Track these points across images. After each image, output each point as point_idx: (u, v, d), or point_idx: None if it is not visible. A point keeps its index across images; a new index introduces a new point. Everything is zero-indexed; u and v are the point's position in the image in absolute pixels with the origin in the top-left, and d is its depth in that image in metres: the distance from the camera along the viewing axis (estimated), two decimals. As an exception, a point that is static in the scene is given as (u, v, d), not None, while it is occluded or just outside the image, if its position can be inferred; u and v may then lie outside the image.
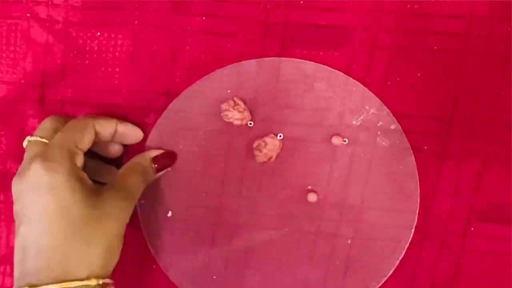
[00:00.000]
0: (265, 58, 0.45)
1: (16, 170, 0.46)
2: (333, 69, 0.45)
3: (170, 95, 0.45)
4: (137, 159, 0.45)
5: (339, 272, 0.46)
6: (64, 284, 0.36)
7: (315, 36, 0.45)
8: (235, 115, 0.44)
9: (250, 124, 0.45)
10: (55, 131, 0.41)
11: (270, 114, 0.45)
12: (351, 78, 0.45)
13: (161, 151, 0.45)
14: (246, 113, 0.45)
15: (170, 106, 0.45)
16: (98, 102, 0.46)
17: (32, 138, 0.41)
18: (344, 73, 0.45)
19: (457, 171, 0.45)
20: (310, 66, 0.45)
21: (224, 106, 0.45)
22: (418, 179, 0.45)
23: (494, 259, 0.46)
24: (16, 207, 0.38)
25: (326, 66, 0.45)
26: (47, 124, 0.42)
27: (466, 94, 0.45)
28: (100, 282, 0.38)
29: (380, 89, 0.45)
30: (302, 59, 0.45)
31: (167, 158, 0.45)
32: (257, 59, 0.45)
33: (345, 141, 0.45)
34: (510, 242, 0.45)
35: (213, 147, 0.45)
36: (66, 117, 0.44)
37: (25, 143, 0.41)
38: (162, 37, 0.45)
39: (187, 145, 0.46)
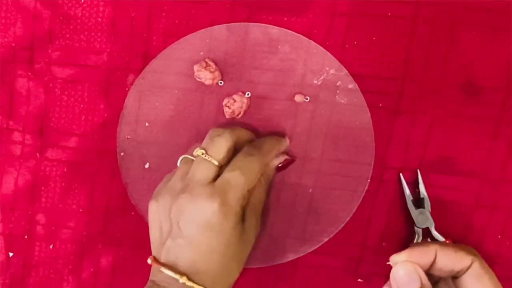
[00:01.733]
0: (234, 23, 0.49)
1: (7, 125, 0.50)
2: (296, 33, 0.49)
3: (148, 57, 0.49)
4: (264, 173, 0.46)
5: (301, 218, 0.50)
6: None
7: (279, 3, 0.49)
8: (207, 75, 0.48)
9: (220, 83, 0.49)
10: (229, 152, 0.43)
11: (239, 74, 0.49)
12: (312, 42, 0.49)
13: (283, 158, 0.48)
14: (217, 73, 0.49)
15: (147, 67, 0.49)
16: (81, 63, 0.50)
17: (202, 155, 0.43)
18: (306, 37, 0.49)
19: (408, 127, 0.49)
20: (275, 31, 0.49)
21: (196, 67, 0.49)
22: (373, 133, 0.49)
23: (442, 206, 0.50)
24: (172, 215, 0.42)
25: (289, 31, 0.49)
26: (223, 144, 0.43)
27: (417, 56, 0.49)
28: None
29: (339, 52, 0.49)
30: (268, 24, 0.49)
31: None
32: (227, 24, 0.49)
33: (307, 99, 0.49)
34: (456, 191, 0.50)
35: (186, 105, 0.50)
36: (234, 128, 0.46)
37: (195, 153, 0.43)
38: (140, 4, 0.49)
39: (163, 103, 0.50)
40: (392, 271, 0.37)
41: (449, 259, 0.37)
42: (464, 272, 0.37)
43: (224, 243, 0.41)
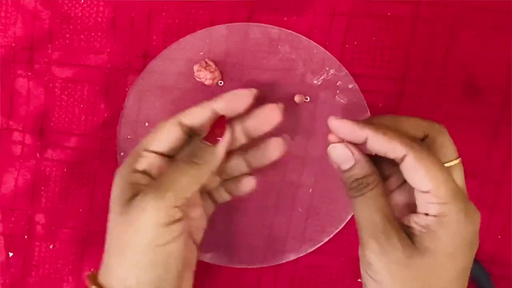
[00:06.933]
0: (234, 23, 0.49)
1: (7, 125, 0.50)
2: (296, 33, 0.49)
3: (147, 57, 0.49)
4: None
5: (301, 218, 0.50)
6: None
7: (279, 3, 0.49)
8: (207, 75, 0.48)
9: (220, 83, 0.49)
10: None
11: (239, 74, 0.49)
12: (312, 42, 0.49)
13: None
14: (217, 73, 0.49)
15: (147, 67, 0.49)
16: (81, 63, 0.50)
17: None
18: (306, 37, 0.49)
19: (408, 127, 0.49)
20: (275, 31, 0.49)
21: (196, 67, 0.49)
22: (373, 134, 0.49)
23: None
24: None
25: (289, 31, 0.49)
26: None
27: (417, 56, 0.49)
28: None
29: (339, 52, 0.49)
30: (268, 24, 0.49)
31: (218, 124, 0.38)
32: (227, 24, 0.49)
33: (307, 99, 0.49)
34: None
35: (186, 105, 0.49)
36: None
37: None
38: (140, 4, 0.49)
39: (163, 103, 0.50)
40: (327, 151, 0.38)
41: (381, 147, 0.35)
42: (400, 162, 0.35)
43: (110, 205, 0.39)
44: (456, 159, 0.36)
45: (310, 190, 0.50)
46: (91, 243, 0.52)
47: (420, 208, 0.35)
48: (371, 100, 0.49)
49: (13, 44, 0.50)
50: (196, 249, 0.42)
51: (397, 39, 0.49)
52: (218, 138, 0.38)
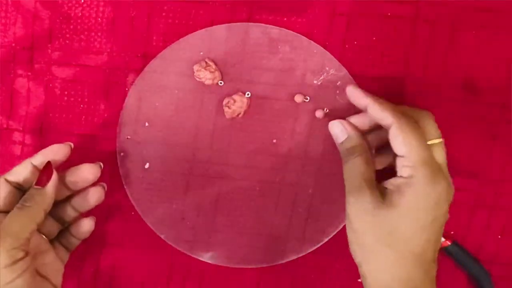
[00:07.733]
0: (234, 23, 0.49)
1: (7, 125, 0.50)
2: (296, 33, 0.49)
3: (148, 57, 0.49)
4: None
5: (301, 218, 0.50)
6: None
7: (279, 3, 0.49)
8: (207, 75, 0.48)
9: (220, 83, 0.49)
10: None
11: (239, 74, 0.49)
12: (312, 42, 0.49)
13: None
14: (217, 73, 0.49)
15: (147, 67, 0.49)
16: (81, 63, 0.50)
17: None
18: (306, 37, 0.49)
19: (408, 127, 0.49)
20: (275, 31, 0.49)
21: (196, 67, 0.49)
22: (373, 134, 0.49)
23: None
24: None
25: (290, 31, 0.49)
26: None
27: (417, 56, 0.49)
28: None
29: (339, 52, 0.49)
30: (268, 24, 0.49)
31: (46, 169, 0.43)
32: (227, 24, 0.49)
33: (306, 99, 0.49)
34: (456, 191, 0.49)
35: (186, 105, 0.50)
36: None
37: None
38: (140, 4, 0.49)
39: (163, 103, 0.50)
40: (328, 126, 0.46)
41: (376, 114, 0.42)
42: (389, 129, 0.41)
43: None
44: (437, 138, 0.42)
45: (310, 190, 0.50)
46: (91, 243, 0.52)
47: (397, 172, 0.41)
48: (371, 100, 0.49)
49: (13, 44, 0.50)
50: None
51: (397, 39, 0.49)
52: (47, 182, 0.42)
